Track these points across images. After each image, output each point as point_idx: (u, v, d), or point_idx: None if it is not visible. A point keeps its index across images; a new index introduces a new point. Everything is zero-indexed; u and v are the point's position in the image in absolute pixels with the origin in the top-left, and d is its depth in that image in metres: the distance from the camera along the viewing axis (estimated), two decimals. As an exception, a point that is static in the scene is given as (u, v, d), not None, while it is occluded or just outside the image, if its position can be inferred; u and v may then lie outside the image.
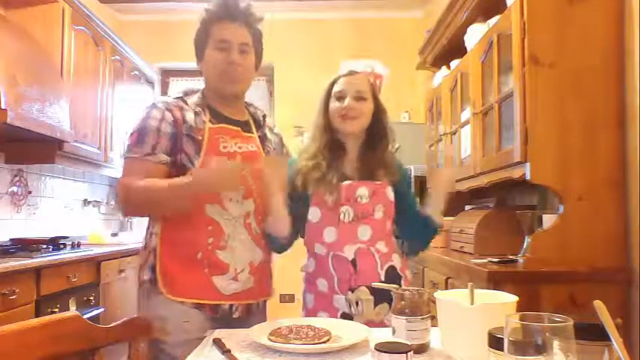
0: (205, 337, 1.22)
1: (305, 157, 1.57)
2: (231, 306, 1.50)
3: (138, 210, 1.63)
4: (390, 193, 1.55)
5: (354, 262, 1.48)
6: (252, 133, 1.63)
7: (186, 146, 1.48)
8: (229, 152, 1.52)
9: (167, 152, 1.47)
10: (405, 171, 1.67)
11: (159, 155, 1.47)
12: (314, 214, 1.53)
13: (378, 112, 1.58)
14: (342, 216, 1.50)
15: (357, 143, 1.59)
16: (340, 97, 1.54)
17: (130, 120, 4.06)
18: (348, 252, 1.48)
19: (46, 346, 1.07)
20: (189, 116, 1.51)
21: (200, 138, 1.49)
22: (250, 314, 1.54)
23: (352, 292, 1.47)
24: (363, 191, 1.51)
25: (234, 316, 1.50)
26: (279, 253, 1.59)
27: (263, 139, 1.65)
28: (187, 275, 1.47)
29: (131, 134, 1.52)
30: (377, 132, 1.59)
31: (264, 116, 1.71)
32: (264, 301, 1.63)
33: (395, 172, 1.58)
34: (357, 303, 1.46)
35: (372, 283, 1.39)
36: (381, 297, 1.46)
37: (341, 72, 1.61)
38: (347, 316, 1.45)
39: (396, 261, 1.55)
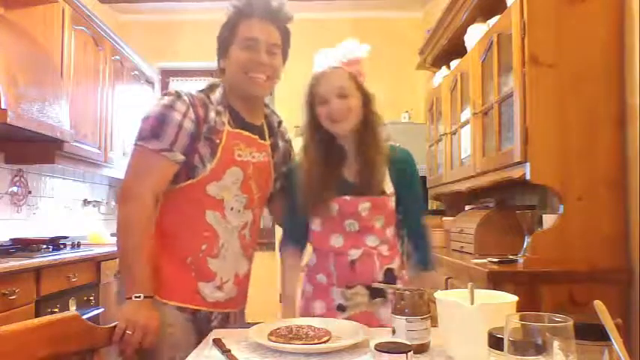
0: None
1: (302, 170, 1.52)
2: (210, 313, 1.46)
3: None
4: (391, 203, 1.52)
5: (353, 264, 1.49)
6: (266, 140, 1.58)
7: (203, 148, 1.41)
8: (243, 161, 1.47)
9: (183, 151, 1.38)
10: (410, 159, 1.59)
11: (175, 154, 1.37)
12: (316, 223, 1.53)
13: (367, 102, 1.50)
14: (347, 228, 1.50)
15: (354, 140, 1.52)
16: (324, 100, 1.47)
17: (131, 120, 4.08)
18: (352, 255, 1.49)
19: (46, 346, 1.07)
20: (211, 116, 1.43)
21: (218, 141, 1.43)
22: (228, 322, 1.51)
23: (350, 288, 1.49)
24: (365, 205, 1.48)
25: (212, 324, 1.46)
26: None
27: (274, 147, 1.61)
28: (175, 278, 1.43)
29: (146, 119, 1.39)
30: (369, 121, 1.51)
31: (279, 122, 1.66)
32: (242, 310, 1.61)
33: (390, 164, 1.52)
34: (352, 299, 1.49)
35: (373, 284, 1.42)
36: (376, 292, 1.47)
37: (317, 68, 1.52)
38: (342, 307, 1.48)
39: (395, 263, 1.55)
